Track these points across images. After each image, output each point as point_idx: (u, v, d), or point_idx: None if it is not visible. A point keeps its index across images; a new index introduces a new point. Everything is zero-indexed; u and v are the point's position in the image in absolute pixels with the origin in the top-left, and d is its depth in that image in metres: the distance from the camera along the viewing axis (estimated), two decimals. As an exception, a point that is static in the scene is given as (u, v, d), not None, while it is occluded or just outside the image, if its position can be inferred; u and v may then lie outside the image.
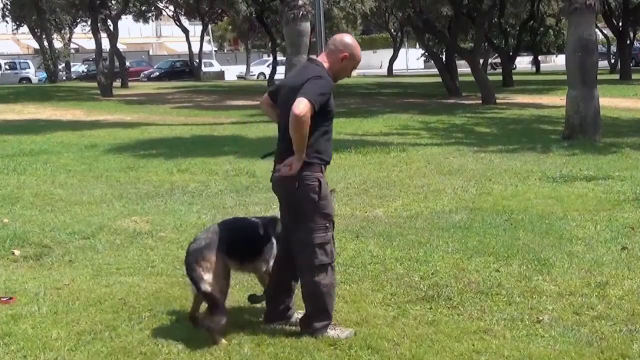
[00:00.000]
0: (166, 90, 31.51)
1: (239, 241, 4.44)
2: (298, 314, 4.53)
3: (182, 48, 52.91)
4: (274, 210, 7.69)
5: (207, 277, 4.24)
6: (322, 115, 4.17)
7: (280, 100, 4.43)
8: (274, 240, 4.53)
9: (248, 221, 4.78)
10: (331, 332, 4.31)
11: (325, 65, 4.33)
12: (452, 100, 24.74)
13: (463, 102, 24.15)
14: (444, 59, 30.48)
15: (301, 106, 4.02)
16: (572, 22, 14.06)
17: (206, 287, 4.22)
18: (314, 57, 4.56)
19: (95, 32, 30.04)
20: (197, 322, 4.40)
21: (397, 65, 52.94)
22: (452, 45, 28.82)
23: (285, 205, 4.37)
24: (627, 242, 6.34)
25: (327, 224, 4.29)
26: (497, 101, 23.15)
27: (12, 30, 50.36)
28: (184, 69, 47.59)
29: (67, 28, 45.78)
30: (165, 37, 72.48)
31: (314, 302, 4.31)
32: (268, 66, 43.99)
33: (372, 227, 7.02)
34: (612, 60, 43.67)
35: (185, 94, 29.92)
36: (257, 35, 52.20)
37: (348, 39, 4.45)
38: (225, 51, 67.22)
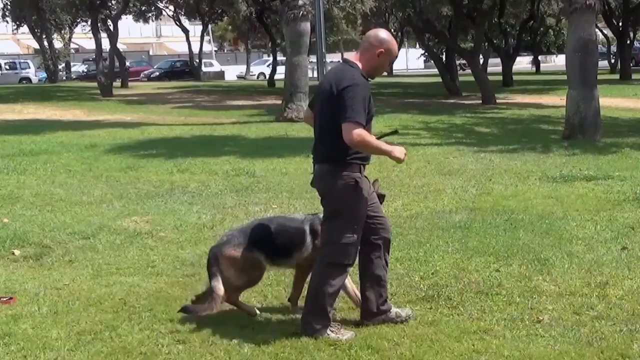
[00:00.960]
0: (166, 90, 31.48)
1: (269, 239, 4.52)
2: (397, 308, 4.58)
3: (182, 48, 52.86)
4: (274, 210, 7.77)
5: (227, 273, 4.39)
6: None
7: (315, 103, 4.44)
8: (308, 239, 4.56)
9: (282, 219, 4.85)
10: (332, 335, 4.29)
11: (359, 64, 4.29)
12: (452, 100, 24.75)
13: (463, 102, 24.16)
14: (444, 59, 30.44)
15: (352, 133, 4.05)
16: (572, 22, 14.07)
17: (216, 283, 4.38)
18: (348, 56, 4.50)
19: (95, 32, 30.05)
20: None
21: (397, 65, 52.93)
22: (452, 45, 28.80)
23: (323, 201, 4.39)
24: (627, 242, 6.34)
25: (356, 226, 4.28)
26: (497, 101, 23.16)
27: (12, 30, 50.33)
28: (184, 69, 47.53)
29: (67, 28, 45.74)
30: (165, 37, 72.40)
31: (316, 300, 4.31)
32: (268, 66, 44.00)
33: (372, 227, 6.99)
34: (612, 60, 43.66)
35: (185, 94, 29.89)
36: (257, 35, 52.14)
37: (383, 33, 4.39)
38: (225, 51, 67.20)
